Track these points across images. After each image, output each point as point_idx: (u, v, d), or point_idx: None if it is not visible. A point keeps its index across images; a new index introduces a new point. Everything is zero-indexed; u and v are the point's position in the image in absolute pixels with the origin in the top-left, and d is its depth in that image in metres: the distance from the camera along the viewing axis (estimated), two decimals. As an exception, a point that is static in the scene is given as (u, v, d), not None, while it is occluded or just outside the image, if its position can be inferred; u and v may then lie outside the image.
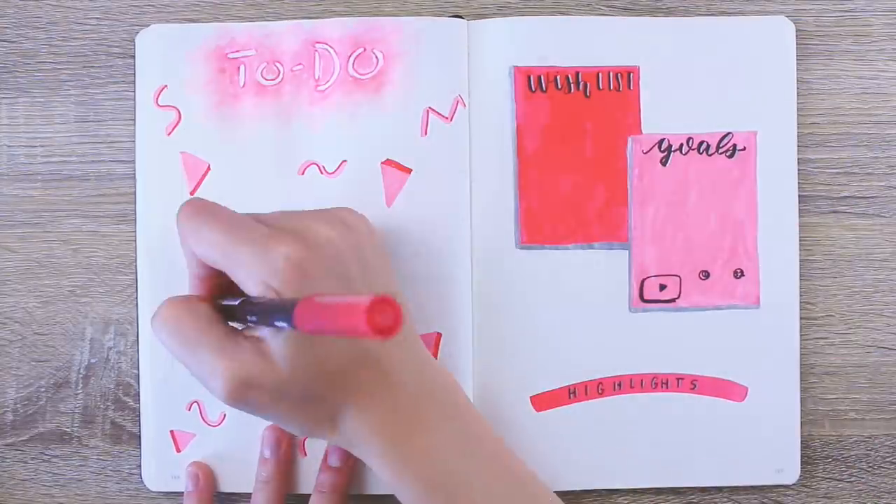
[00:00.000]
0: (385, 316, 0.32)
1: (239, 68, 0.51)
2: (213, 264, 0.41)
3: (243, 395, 0.40)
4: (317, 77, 0.50)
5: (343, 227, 0.43)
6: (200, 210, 0.42)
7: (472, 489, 0.43)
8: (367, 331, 0.31)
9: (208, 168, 0.50)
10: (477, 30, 0.51)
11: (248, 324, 0.41)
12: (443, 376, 0.46)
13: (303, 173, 0.50)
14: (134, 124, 0.51)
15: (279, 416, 0.42)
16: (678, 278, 0.51)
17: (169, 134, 0.51)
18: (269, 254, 0.39)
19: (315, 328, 0.35)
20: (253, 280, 0.40)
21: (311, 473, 0.50)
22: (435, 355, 0.50)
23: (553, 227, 0.51)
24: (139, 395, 0.51)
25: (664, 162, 0.51)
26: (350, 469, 0.49)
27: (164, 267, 0.51)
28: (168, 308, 0.42)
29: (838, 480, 0.52)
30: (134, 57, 0.51)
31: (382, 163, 0.50)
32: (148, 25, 0.51)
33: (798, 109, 0.51)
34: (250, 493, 0.50)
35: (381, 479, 0.43)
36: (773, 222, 0.51)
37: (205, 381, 0.41)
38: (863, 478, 0.52)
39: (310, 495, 0.50)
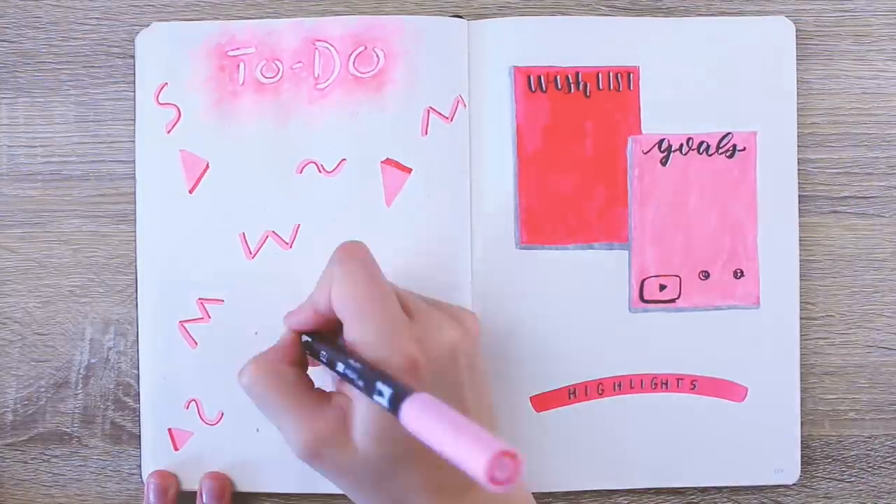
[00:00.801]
0: (504, 470, 0.32)
1: (239, 66, 0.51)
2: (337, 313, 0.42)
3: (315, 458, 0.41)
4: (316, 75, 0.50)
5: (463, 331, 0.43)
6: (357, 256, 0.43)
7: None
8: (483, 478, 0.32)
9: (207, 166, 0.50)
10: (477, 30, 0.51)
11: (338, 374, 0.41)
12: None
13: (301, 172, 0.50)
14: (134, 124, 0.51)
15: (347, 487, 0.43)
16: (678, 278, 0.51)
17: (169, 132, 0.51)
18: (395, 345, 0.40)
19: (418, 430, 0.35)
20: (369, 351, 0.40)
21: (307, 474, 0.50)
22: (435, 355, 0.50)
23: (553, 227, 0.51)
24: (139, 395, 0.51)
25: (664, 162, 0.51)
26: None
27: (164, 267, 0.51)
28: (254, 371, 0.43)
29: (838, 480, 0.52)
30: (134, 57, 0.51)
31: (382, 162, 0.50)
32: (148, 25, 0.51)
33: (798, 109, 0.51)
34: (247, 492, 0.51)
35: None
36: (773, 222, 0.51)
37: (286, 437, 0.42)
38: (863, 478, 0.52)
39: (306, 495, 0.50)
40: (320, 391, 0.43)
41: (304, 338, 0.44)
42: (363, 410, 0.40)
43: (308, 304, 0.44)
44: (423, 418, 0.35)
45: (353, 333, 0.41)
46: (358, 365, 0.40)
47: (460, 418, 0.34)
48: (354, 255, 0.43)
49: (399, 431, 0.39)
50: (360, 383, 0.39)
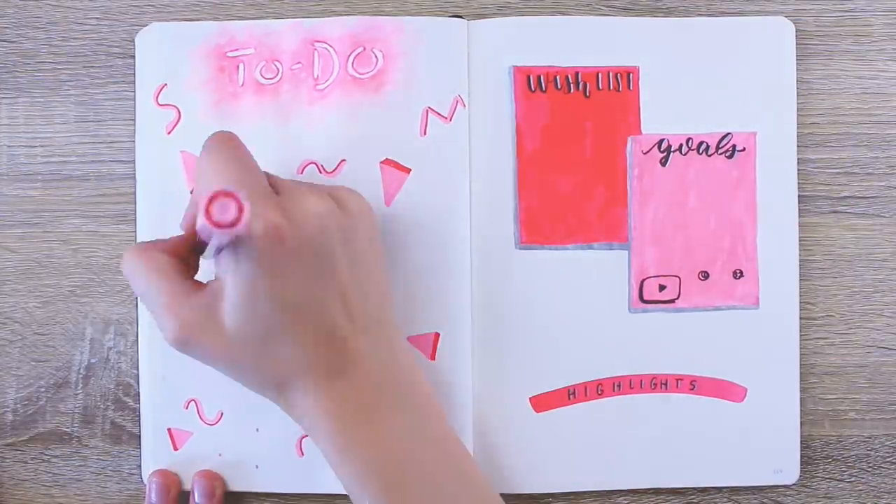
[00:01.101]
0: (225, 210, 0.33)
1: (238, 67, 0.51)
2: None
3: (184, 345, 0.41)
4: (316, 76, 0.50)
5: (334, 206, 0.43)
6: (225, 143, 0.42)
7: (416, 483, 0.43)
8: (207, 222, 0.34)
9: (139, 242, 0.50)
10: (477, 30, 0.51)
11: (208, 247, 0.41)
12: (410, 371, 0.46)
13: (301, 172, 0.50)
14: (134, 124, 0.51)
15: (227, 371, 0.43)
16: (678, 279, 0.51)
17: (169, 133, 0.51)
18: (257, 212, 0.39)
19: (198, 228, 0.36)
20: None
21: (307, 473, 0.50)
22: (433, 355, 0.50)
23: (553, 227, 0.51)
24: (139, 395, 0.51)
25: (664, 162, 0.51)
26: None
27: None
28: (130, 255, 0.43)
29: (838, 480, 0.52)
30: (134, 57, 0.51)
31: (381, 162, 0.50)
32: (147, 25, 0.51)
33: (798, 109, 0.51)
34: (246, 492, 0.51)
35: (325, 457, 0.43)
36: (773, 222, 0.51)
37: (158, 326, 0.42)
38: (863, 478, 0.52)
39: (305, 494, 0.50)
40: (197, 282, 0.42)
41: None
42: (231, 286, 0.40)
43: (190, 203, 0.44)
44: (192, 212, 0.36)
45: None
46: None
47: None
48: (219, 142, 0.42)
49: (267, 302, 0.40)
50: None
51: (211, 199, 0.34)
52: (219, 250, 0.40)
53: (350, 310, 0.43)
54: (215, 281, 0.42)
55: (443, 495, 0.43)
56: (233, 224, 0.34)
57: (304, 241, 0.41)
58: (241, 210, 0.34)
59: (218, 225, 0.34)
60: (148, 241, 0.44)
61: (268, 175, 0.43)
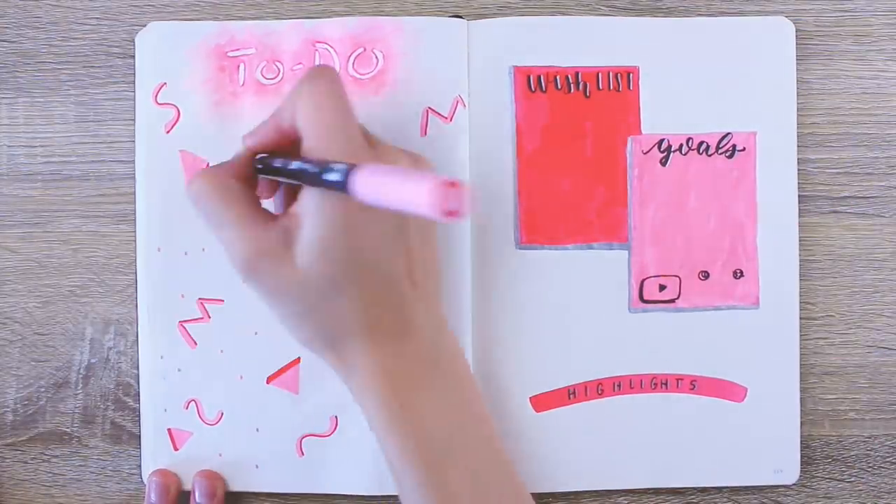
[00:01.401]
0: (454, 201, 0.32)
1: (239, 67, 0.51)
2: (300, 128, 0.41)
3: (252, 271, 0.41)
4: (317, 76, 0.51)
5: None
6: (329, 80, 0.41)
7: (456, 461, 0.43)
8: (432, 210, 0.32)
9: (207, 166, 0.50)
10: (477, 30, 0.51)
11: (290, 176, 0.41)
12: (455, 343, 0.46)
13: (301, 172, 0.50)
14: (134, 124, 0.51)
15: (283, 309, 0.42)
16: (678, 279, 0.51)
17: (168, 132, 0.51)
18: (355, 161, 0.39)
19: (369, 192, 0.35)
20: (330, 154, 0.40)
21: (307, 473, 0.50)
22: (434, 355, 0.50)
23: (553, 227, 0.51)
24: (139, 395, 0.51)
25: (664, 162, 0.51)
26: None
27: (164, 267, 0.51)
28: (200, 180, 0.42)
29: (838, 480, 0.52)
30: (134, 57, 0.51)
31: (382, 162, 0.50)
32: (147, 25, 0.51)
33: (798, 109, 0.51)
34: (246, 492, 0.51)
35: (367, 422, 0.43)
36: (773, 222, 0.51)
37: (226, 250, 0.41)
38: (863, 478, 0.52)
39: (305, 494, 0.50)
40: (267, 211, 0.42)
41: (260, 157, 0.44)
42: (310, 226, 0.40)
43: (271, 121, 0.43)
44: (373, 180, 0.35)
45: (313, 146, 0.40)
46: (313, 158, 0.39)
47: (410, 170, 0.34)
48: (325, 75, 0.42)
49: (343, 251, 0.39)
50: (314, 169, 0.39)
51: (443, 187, 0.33)
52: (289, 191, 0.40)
53: (413, 276, 0.42)
54: (289, 216, 0.41)
55: (478, 476, 0.43)
56: (456, 213, 0.33)
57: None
58: (465, 200, 0.34)
59: (447, 213, 0.33)
60: (216, 167, 0.43)
61: (361, 126, 0.43)
